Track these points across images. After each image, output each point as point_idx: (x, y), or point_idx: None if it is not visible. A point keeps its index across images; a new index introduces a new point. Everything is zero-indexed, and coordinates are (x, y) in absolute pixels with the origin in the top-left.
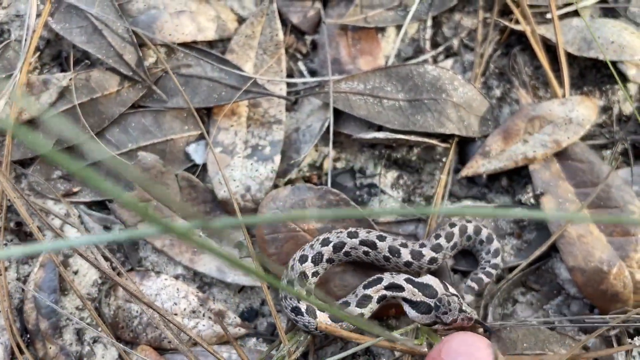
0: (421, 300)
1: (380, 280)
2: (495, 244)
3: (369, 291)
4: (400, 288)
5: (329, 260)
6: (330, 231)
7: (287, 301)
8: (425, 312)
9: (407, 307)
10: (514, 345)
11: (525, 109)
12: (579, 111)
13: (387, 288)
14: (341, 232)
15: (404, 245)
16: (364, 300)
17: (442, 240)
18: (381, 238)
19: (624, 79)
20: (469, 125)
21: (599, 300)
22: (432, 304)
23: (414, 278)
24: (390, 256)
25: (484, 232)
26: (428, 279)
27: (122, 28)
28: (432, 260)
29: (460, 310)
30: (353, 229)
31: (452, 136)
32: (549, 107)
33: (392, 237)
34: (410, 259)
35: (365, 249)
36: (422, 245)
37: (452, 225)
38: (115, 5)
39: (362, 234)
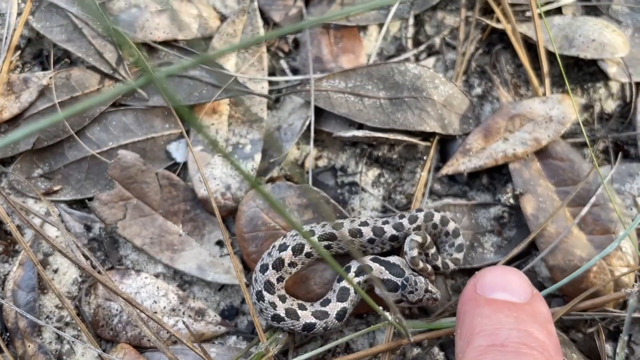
0: (388, 278)
1: (349, 268)
2: (461, 239)
3: (343, 283)
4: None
5: (291, 264)
6: (285, 235)
7: (265, 312)
8: (391, 290)
9: (375, 283)
10: None
11: (505, 107)
12: (560, 109)
13: (357, 274)
14: (297, 235)
15: (365, 224)
16: (343, 294)
17: (404, 221)
18: (338, 226)
19: (606, 77)
20: (450, 123)
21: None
22: (399, 283)
23: (380, 257)
24: (354, 238)
25: (451, 225)
26: (395, 259)
27: (102, 27)
28: (393, 238)
29: (426, 291)
30: (309, 228)
31: (433, 134)
32: (529, 106)
33: (349, 220)
34: (373, 236)
35: (327, 243)
36: (385, 223)
37: (419, 210)
38: (95, 3)
39: (318, 229)
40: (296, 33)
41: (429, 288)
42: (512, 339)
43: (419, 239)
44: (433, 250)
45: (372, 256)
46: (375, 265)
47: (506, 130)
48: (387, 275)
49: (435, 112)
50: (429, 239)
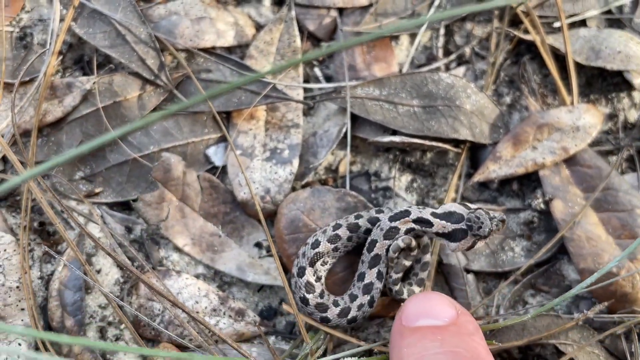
0: (453, 229)
1: (408, 213)
2: (427, 257)
3: (396, 223)
4: (428, 223)
5: (328, 256)
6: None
7: (315, 315)
8: (463, 238)
9: (444, 241)
10: (539, 333)
11: (533, 117)
12: (586, 119)
13: (415, 222)
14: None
15: (359, 217)
16: (390, 232)
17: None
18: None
19: (630, 87)
20: (481, 131)
21: (607, 301)
22: (465, 227)
23: (437, 211)
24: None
25: (424, 239)
26: (449, 206)
27: (144, 33)
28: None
29: (491, 219)
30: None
31: (464, 142)
32: (556, 115)
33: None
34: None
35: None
36: (379, 212)
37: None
38: (138, 11)
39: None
40: (329, 41)
41: (491, 214)
42: None
43: (402, 244)
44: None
45: (431, 210)
46: (436, 221)
47: (535, 139)
48: (450, 227)
49: (467, 121)
50: (414, 243)
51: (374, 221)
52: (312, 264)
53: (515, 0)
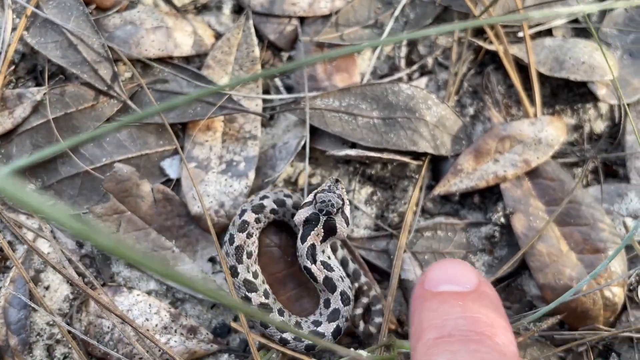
0: (323, 224)
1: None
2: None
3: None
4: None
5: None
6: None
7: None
8: (333, 225)
9: (331, 240)
10: None
11: (495, 129)
12: (549, 131)
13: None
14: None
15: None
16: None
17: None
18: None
19: (596, 98)
20: (442, 143)
21: (569, 317)
22: (325, 217)
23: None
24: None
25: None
26: (297, 217)
27: (97, 43)
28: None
29: (328, 190)
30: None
31: (425, 154)
32: (519, 127)
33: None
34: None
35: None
36: (287, 196)
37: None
38: (91, 20)
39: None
40: (290, 51)
41: (324, 187)
42: (459, 327)
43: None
44: None
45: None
46: (304, 233)
47: (496, 151)
48: (319, 228)
49: (428, 133)
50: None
51: (280, 203)
52: (239, 260)
53: (472, 24)
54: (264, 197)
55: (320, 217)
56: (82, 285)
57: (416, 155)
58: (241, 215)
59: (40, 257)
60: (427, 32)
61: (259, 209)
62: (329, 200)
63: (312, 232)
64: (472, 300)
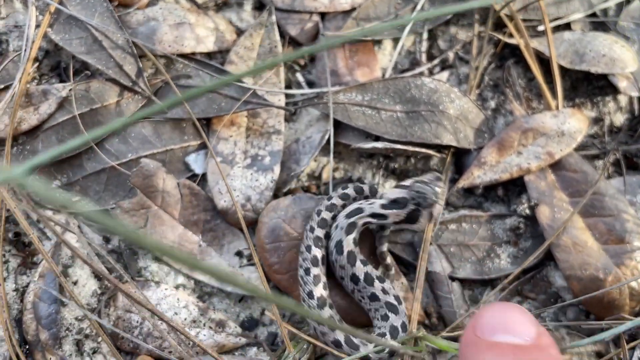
0: (406, 213)
1: (361, 210)
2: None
3: (353, 219)
4: (383, 216)
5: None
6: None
7: (326, 336)
8: (419, 216)
9: (406, 226)
10: None
11: (518, 121)
12: (571, 123)
13: (371, 216)
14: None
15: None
16: (350, 228)
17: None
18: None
19: (615, 90)
20: (465, 136)
21: (596, 307)
22: (414, 206)
23: (384, 202)
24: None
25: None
26: (390, 194)
27: (122, 39)
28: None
29: (429, 183)
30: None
31: (448, 147)
32: (541, 120)
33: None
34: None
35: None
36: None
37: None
38: (115, 16)
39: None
40: (312, 50)
41: (426, 179)
42: None
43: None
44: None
45: (378, 203)
46: (388, 212)
47: (520, 144)
48: (403, 212)
49: (451, 126)
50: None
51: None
52: (314, 263)
53: (495, 0)
54: (345, 186)
55: (409, 204)
56: (112, 279)
57: (439, 149)
58: (319, 214)
59: (70, 249)
60: (450, 10)
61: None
62: (424, 193)
63: (394, 211)
64: (533, 355)
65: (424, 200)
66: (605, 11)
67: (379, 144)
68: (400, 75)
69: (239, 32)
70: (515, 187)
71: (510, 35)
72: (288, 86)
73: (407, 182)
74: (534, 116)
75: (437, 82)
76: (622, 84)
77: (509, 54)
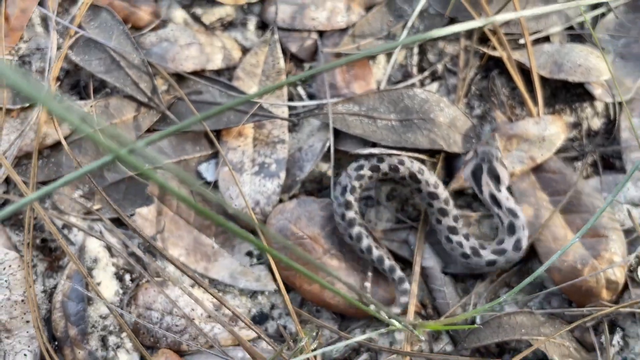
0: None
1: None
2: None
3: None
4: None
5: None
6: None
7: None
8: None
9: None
10: (514, 331)
11: (504, 128)
12: (552, 130)
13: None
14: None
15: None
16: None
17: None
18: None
19: (592, 97)
20: (455, 142)
21: (575, 295)
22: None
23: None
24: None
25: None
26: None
27: (137, 59)
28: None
29: (489, 144)
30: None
31: (439, 152)
32: (524, 127)
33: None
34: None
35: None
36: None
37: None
38: (131, 38)
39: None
40: (311, 62)
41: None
42: None
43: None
44: None
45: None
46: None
47: (505, 149)
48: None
49: (441, 132)
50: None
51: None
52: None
53: (481, 22)
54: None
55: (483, 166)
56: (141, 269)
57: (431, 154)
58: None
59: (100, 239)
60: (435, 34)
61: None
62: (489, 151)
63: (483, 182)
64: None
65: (492, 156)
66: (581, 24)
67: (375, 150)
68: (393, 87)
69: (244, 50)
70: None
71: (494, 49)
72: (290, 99)
73: (470, 154)
74: (518, 123)
75: (428, 92)
76: (597, 91)
77: (493, 66)
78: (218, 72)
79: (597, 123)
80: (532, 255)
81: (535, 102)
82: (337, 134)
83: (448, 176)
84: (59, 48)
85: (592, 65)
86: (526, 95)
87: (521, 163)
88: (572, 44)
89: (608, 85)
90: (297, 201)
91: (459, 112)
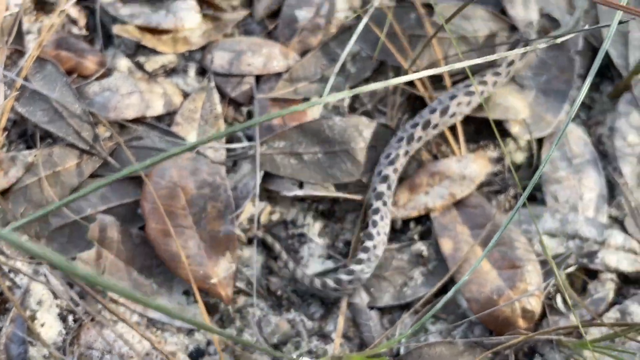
0: None
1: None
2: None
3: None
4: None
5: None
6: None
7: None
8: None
9: None
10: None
11: (428, 166)
12: (472, 168)
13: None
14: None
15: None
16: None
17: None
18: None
19: (510, 135)
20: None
21: (493, 325)
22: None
23: None
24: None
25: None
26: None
27: (80, 109)
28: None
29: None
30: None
31: (366, 185)
32: (447, 164)
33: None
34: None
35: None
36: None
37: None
38: (73, 90)
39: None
40: (249, 105)
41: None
42: None
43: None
44: None
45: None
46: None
47: (428, 184)
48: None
49: (364, 160)
50: None
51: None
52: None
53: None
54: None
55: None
56: (82, 313)
57: (359, 187)
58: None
59: (44, 285)
60: (362, 89)
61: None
62: None
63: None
64: None
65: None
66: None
67: (300, 192)
68: (314, 119)
69: (185, 95)
70: (427, 219)
71: (424, 86)
72: (230, 140)
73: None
74: (441, 161)
75: (347, 119)
76: (514, 129)
77: (419, 105)
78: (159, 117)
79: (519, 157)
80: (450, 285)
81: (457, 140)
82: (269, 173)
83: None
84: (5, 98)
85: (510, 104)
86: (448, 134)
87: (442, 199)
88: None
89: (526, 122)
90: None
91: (376, 126)
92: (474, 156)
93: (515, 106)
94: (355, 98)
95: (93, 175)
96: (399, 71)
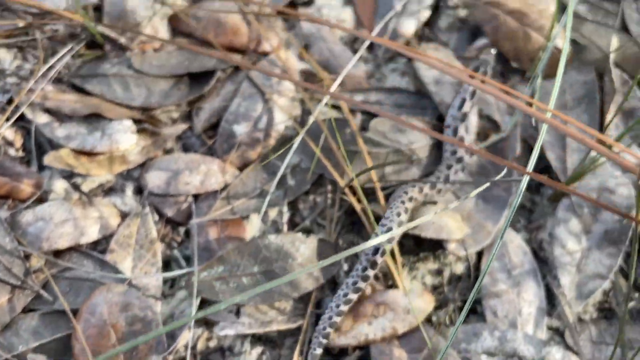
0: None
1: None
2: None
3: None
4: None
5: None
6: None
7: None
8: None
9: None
10: None
11: (375, 295)
12: (417, 303)
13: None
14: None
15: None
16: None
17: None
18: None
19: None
20: (318, 277)
21: None
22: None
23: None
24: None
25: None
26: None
27: (10, 245)
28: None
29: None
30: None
31: (309, 294)
32: (393, 296)
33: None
34: None
35: None
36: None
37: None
38: (4, 224)
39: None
40: (187, 224)
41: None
42: None
43: None
44: None
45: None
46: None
47: (372, 315)
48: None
49: (302, 275)
50: None
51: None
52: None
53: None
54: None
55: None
56: None
57: (299, 311)
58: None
59: None
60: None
61: None
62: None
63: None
64: None
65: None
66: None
67: (231, 332)
68: (250, 240)
69: (124, 216)
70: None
71: (359, 200)
72: (167, 261)
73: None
74: (388, 292)
75: (282, 236)
76: (450, 245)
77: (357, 218)
78: (95, 243)
79: (460, 268)
80: None
81: (397, 268)
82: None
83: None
84: None
85: (444, 223)
86: (389, 261)
87: (383, 331)
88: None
89: (463, 239)
90: None
91: (315, 242)
92: (421, 291)
93: (449, 226)
94: (295, 211)
95: (25, 310)
96: (335, 185)
